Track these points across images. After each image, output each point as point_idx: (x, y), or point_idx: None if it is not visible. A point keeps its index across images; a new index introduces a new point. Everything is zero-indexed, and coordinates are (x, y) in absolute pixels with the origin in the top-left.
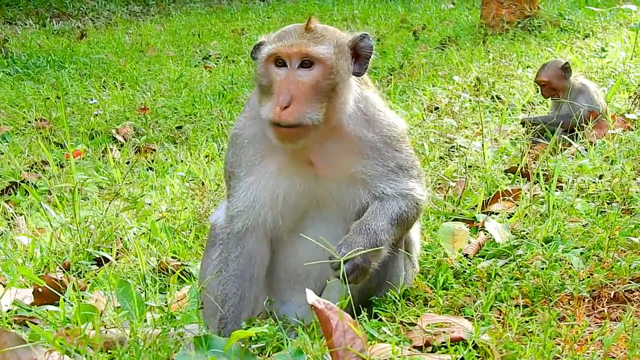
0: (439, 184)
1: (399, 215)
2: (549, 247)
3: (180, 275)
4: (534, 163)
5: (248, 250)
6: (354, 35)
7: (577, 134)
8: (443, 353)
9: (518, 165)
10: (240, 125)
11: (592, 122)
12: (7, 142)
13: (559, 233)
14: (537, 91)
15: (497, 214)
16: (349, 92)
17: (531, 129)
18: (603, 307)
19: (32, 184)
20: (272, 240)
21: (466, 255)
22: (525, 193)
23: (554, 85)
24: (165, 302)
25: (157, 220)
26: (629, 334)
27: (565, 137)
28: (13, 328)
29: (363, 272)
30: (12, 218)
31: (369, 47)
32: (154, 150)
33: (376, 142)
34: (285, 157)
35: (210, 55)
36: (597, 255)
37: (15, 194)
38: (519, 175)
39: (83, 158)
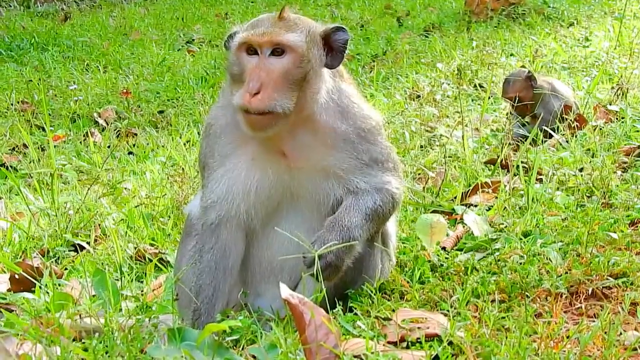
0: (419, 174)
1: (373, 210)
2: (527, 241)
3: (158, 264)
4: (514, 154)
5: (222, 241)
6: (327, 26)
7: (557, 127)
8: (417, 349)
9: (498, 156)
10: (213, 115)
11: (572, 114)
12: None
13: (538, 227)
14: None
15: (476, 206)
16: (320, 82)
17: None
18: (581, 303)
19: (12, 167)
20: (247, 232)
21: (444, 248)
22: (505, 185)
23: (523, 97)
24: (141, 291)
25: (136, 207)
26: (605, 332)
27: (547, 128)
28: None
29: (336, 270)
30: None
31: (343, 41)
32: (136, 134)
33: (350, 134)
34: (258, 148)
35: (193, 39)
36: (576, 250)
37: None
38: (499, 167)
39: (65, 141)
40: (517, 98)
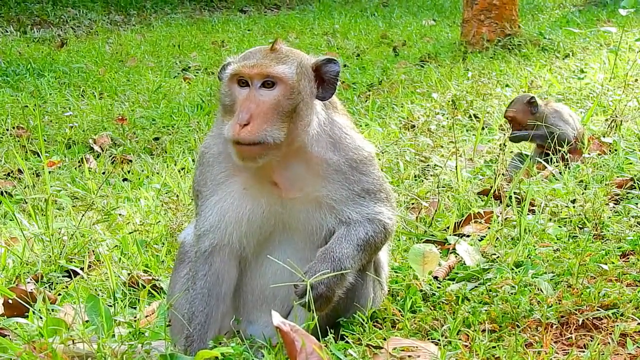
0: (412, 203)
1: (365, 240)
2: (519, 272)
3: (151, 290)
4: (507, 185)
5: (215, 269)
6: (318, 58)
7: (551, 158)
8: None
9: (491, 187)
10: (206, 143)
11: (567, 146)
12: None
13: (530, 257)
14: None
15: (468, 236)
16: (312, 114)
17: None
18: (571, 334)
19: (7, 192)
20: (240, 260)
21: (436, 278)
22: (497, 216)
23: (520, 119)
24: (134, 317)
25: (130, 233)
26: None
27: (540, 159)
28: None
29: (327, 300)
30: None
31: (335, 73)
32: (131, 161)
33: (341, 165)
34: (250, 178)
35: (189, 67)
36: (567, 281)
37: None
38: (491, 198)
39: (60, 167)
40: (514, 120)
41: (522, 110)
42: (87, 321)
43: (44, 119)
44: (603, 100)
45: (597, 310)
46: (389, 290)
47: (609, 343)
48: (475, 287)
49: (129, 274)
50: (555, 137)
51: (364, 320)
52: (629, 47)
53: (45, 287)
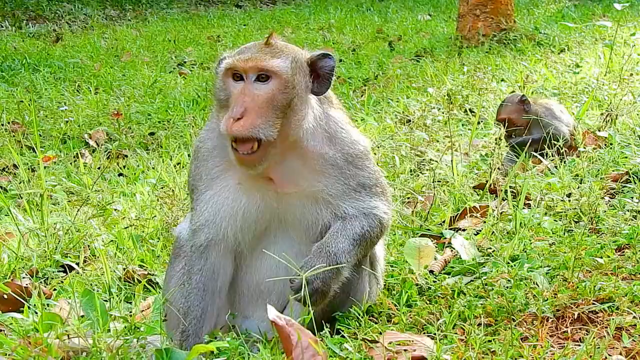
0: (408, 198)
1: (361, 235)
2: (514, 266)
3: (147, 285)
4: (503, 180)
5: (211, 263)
6: (313, 53)
7: (546, 152)
8: None
9: (487, 181)
10: (201, 138)
11: (562, 141)
12: None
13: (525, 251)
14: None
15: (464, 230)
16: (306, 108)
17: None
18: (566, 327)
19: (2, 187)
20: (236, 255)
21: (432, 272)
22: (493, 210)
23: (514, 120)
24: (130, 312)
25: (125, 228)
26: (591, 356)
27: (536, 154)
28: None
29: (323, 296)
30: None
31: (330, 68)
32: (126, 156)
33: (337, 159)
34: (245, 173)
35: (185, 62)
36: (562, 275)
37: None
38: (487, 192)
39: (55, 162)
40: (509, 121)
41: (516, 110)
42: (82, 316)
43: (39, 114)
44: (598, 94)
45: (593, 303)
46: (384, 285)
47: (604, 336)
48: (471, 281)
49: (124, 269)
50: (552, 136)
51: (359, 315)
52: (624, 42)
53: (41, 282)
